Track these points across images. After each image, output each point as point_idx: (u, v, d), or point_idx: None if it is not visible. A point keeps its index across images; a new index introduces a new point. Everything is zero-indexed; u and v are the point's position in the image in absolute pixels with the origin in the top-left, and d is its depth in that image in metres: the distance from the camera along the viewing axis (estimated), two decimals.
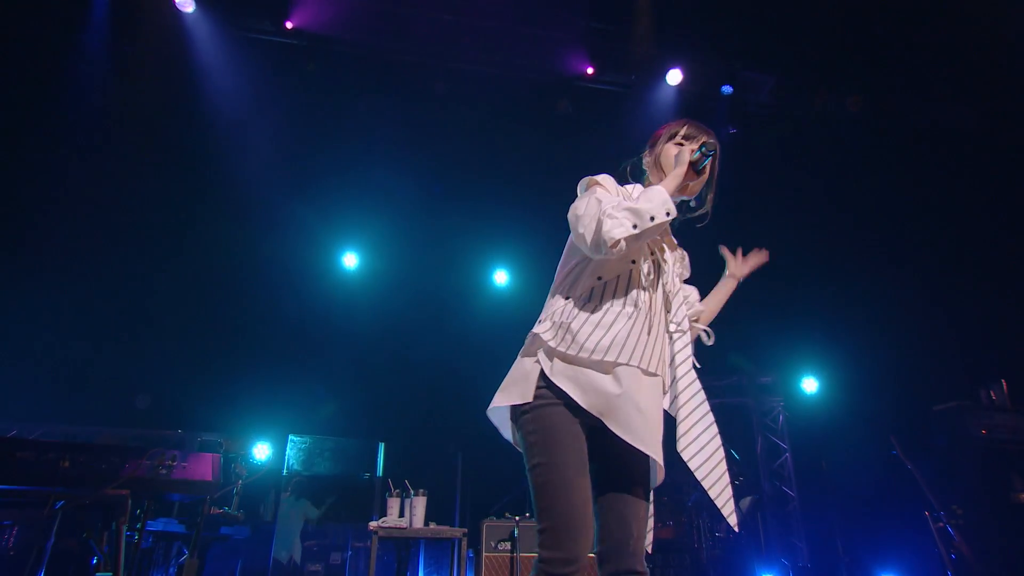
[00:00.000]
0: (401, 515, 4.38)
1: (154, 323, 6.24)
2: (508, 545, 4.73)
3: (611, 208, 1.67)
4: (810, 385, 8.09)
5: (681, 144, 1.92)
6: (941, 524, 5.25)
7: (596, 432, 1.70)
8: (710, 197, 1.98)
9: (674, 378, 1.77)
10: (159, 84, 6.10)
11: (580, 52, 7.24)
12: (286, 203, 6.65)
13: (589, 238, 1.68)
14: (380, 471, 5.97)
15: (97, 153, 6.00)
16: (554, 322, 1.75)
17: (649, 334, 1.74)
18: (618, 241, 1.63)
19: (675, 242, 1.99)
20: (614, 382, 1.67)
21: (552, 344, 1.71)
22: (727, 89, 7.36)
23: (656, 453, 1.68)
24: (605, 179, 1.86)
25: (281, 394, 6.30)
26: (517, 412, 1.74)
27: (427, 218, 7.20)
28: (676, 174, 1.77)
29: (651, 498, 1.78)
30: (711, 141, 1.89)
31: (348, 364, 6.79)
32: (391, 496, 4.32)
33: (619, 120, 7.57)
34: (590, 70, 7.19)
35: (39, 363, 5.57)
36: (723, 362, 8.12)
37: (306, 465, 5.95)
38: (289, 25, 6.46)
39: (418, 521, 4.31)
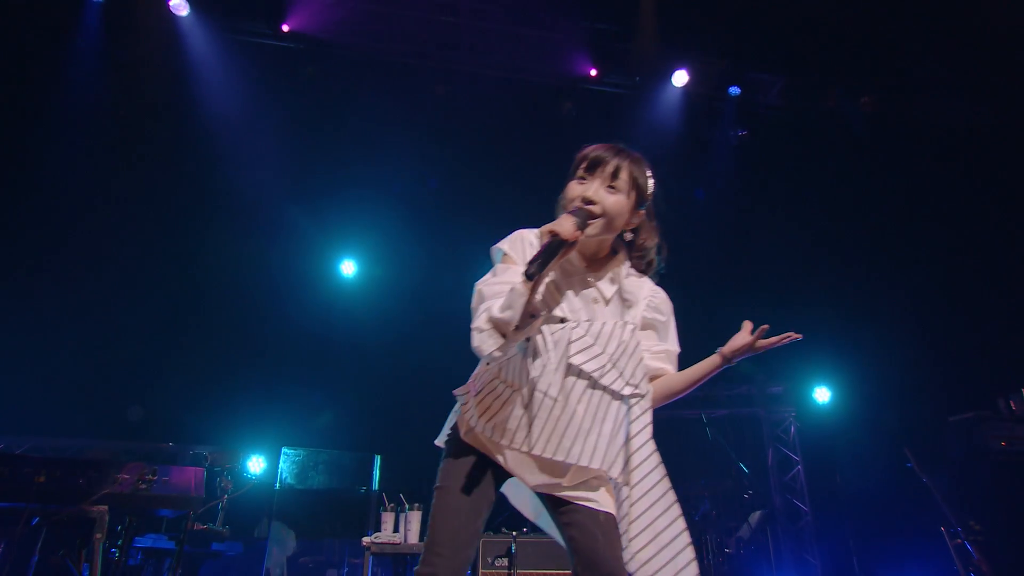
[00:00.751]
0: (396, 530, 4.27)
1: (146, 333, 6.16)
2: (506, 561, 4.60)
3: (483, 315, 1.58)
4: (822, 395, 7.99)
5: (583, 179, 1.76)
6: (959, 540, 5.09)
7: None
8: (625, 222, 1.78)
9: (627, 458, 1.64)
10: (153, 90, 6.04)
11: (583, 53, 7.17)
12: (282, 210, 6.61)
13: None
14: (376, 484, 5.87)
15: (89, 161, 5.95)
16: (469, 389, 1.81)
17: (547, 420, 1.64)
18: (491, 355, 1.56)
19: (619, 269, 1.80)
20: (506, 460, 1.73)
21: (466, 404, 1.78)
22: (734, 90, 7.28)
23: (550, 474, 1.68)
24: (512, 246, 1.75)
25: (275, 405, 6.24)
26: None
27: (428, 224, 7.12)
28: (528, 293, 1.56)
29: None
30: (583, 208, 1.69)
31: (344, 374, 6.70)
32: (385, 511, 4.24)
33: (624, 123, 7.51)
34: (593, 72, 7.14)
35: (27, 374, 5.50)
36: (732, 370, 7.93)
37: (300, 478, 5.84)
38: (286, 28, 6.42)
39: (413, 536, 4.21)
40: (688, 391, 1.77)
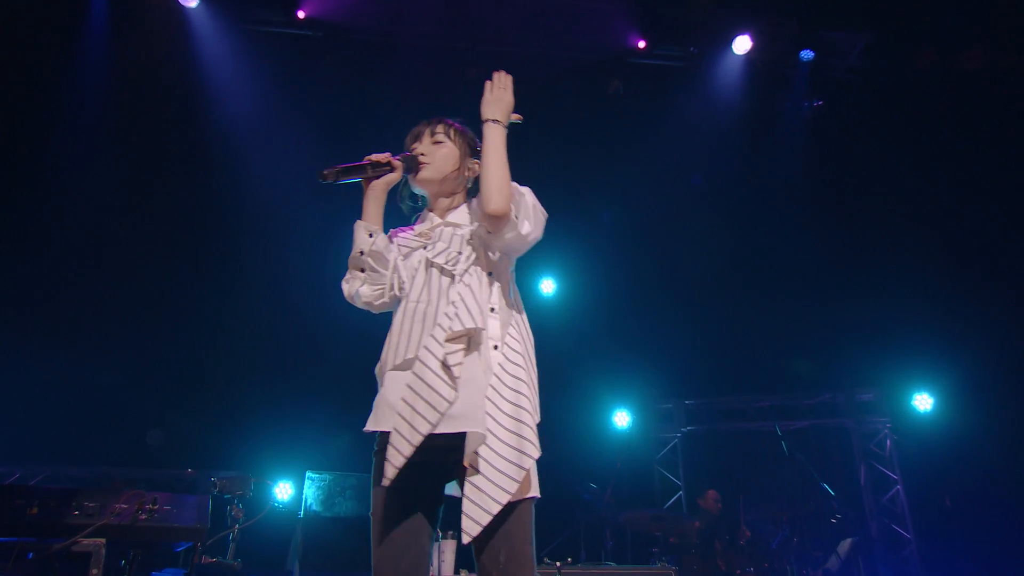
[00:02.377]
0: (430, 562, 3.95)
1: (164, 355, 6.05)
2: None
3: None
4: (923, 402, 7.31)
5: (411, 148, 2.02)
6: None
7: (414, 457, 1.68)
8: (456, 167, 2.00)
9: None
10: (162, 88, 5.90)
11: (629, 24, 6.73)
12: (303, 215, 6.25)
13: (352, 303, 1.96)
14: None
15: (102, 169, 5.85)
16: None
17: (413, 321, 1.78)
18: (351, 295, 1.89)
19: (452, 206, 2.01)
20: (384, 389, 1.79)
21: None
22: (807, 54, 6.73)
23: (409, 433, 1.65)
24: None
25: (300, 425, 5.95)
26: None
27: None
28: (363, 209, 1.91)
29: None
30: (412, 154, 1.96)
31: (372, 390, 6.39)
32: None
33: (678, 100, 7.08)
34: (642, 44, 6.74)
35: (43, 399, 5.41)
36: (814, 376, 7.25)
37: (326, 505, 5.52)
38: (301, 15, 6.19)
39: (447, 568, 4.05)
40: (490, 181, 1.81)
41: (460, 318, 1.67)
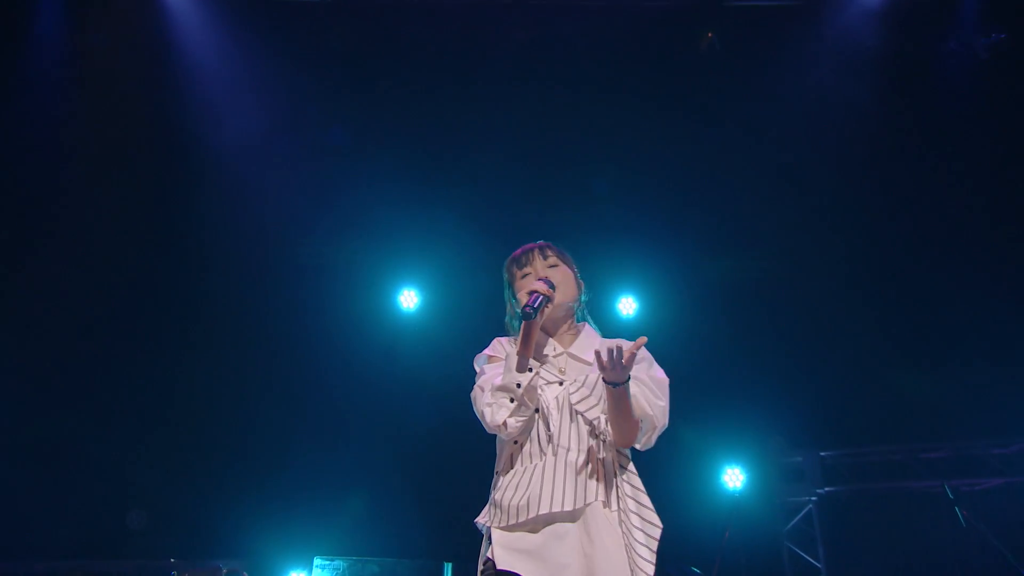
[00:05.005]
0: None
1: (145, 422, 5.80)
2: None
3: (488, 392, 2.02)
4: None
5: (525, 274, 2.20)
6: None
7: None
8: (577, 291, 2.21)
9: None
10: (134, 77, 5.37)
11: None
12: (307, 241, 5.97)
13: (487, 428, 2.06)
14: None
15: (63, 183, 5.46)
16: (489, 502, 2.09)
17: (567, 470, 1.97)
18: (504, 423, 1.98)
19: (571, 331, 2.21)
20: (537, 537, 1.95)
21: (487, 523, 2.04)
22: None
23: None
24: (493, 349, 2.20)
25: (307, 503, 5.67)
26: None
27: (505, 233, 6.24)
28: (521, 342, 2.02)
29: None
30: (536, 285, 2.06)
31: (398, 457, 6.04)
32: None
33: (789, 49, 6.13)
34: None
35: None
36: (1006, 418, 6.01)
37: None
38: None
39: None
40: (618, 428, 2.01)
41: (653, 526, 1.94)
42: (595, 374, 2.03)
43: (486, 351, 2.19)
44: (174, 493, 5.62)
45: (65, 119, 5.23)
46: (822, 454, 6.58)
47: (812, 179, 6.39)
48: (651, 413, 2.01)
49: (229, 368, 5.99)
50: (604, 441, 2.02)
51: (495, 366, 2.09)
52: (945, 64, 6.08)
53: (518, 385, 1.95)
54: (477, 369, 2.17)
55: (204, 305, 6.03)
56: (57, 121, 5.22)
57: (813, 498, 6.50)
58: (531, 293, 2.01)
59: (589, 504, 1.93)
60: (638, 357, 2.00)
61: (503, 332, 2.22)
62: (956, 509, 5.98)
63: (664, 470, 6.12)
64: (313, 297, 6.14)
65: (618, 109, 6.20)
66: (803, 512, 6.53)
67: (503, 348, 2.15)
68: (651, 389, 2.04)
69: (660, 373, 2.09)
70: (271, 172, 5.76)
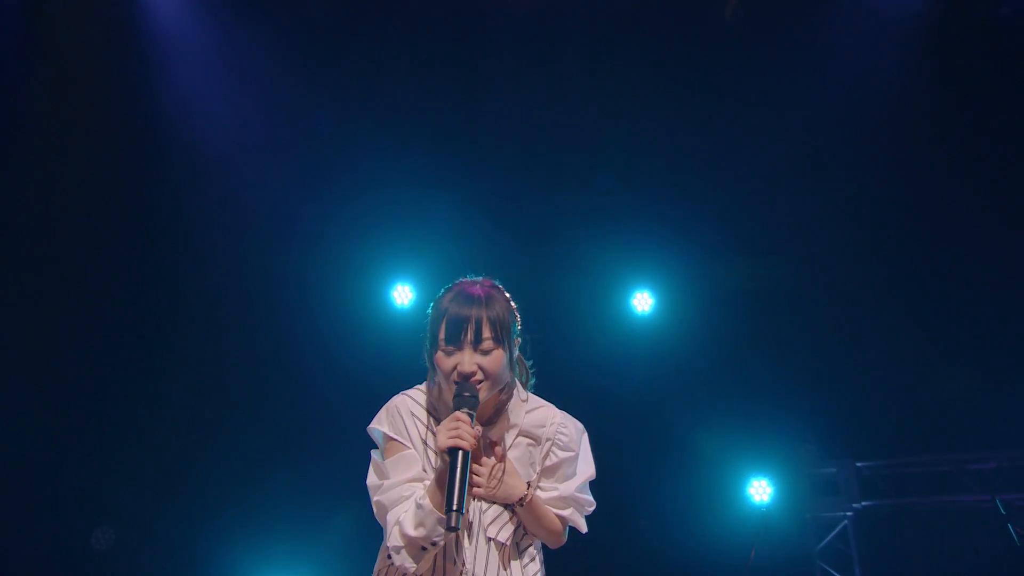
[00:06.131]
0: None
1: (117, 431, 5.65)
2: None
3: (395, 532, 1.74)
4: None
5: (448, 351, 1.83)
6: None
7: None
8: (510, 373, 1.93)
9: None
10: (104, 80, 5.25)
11: None
12: (292, 235, 5.86)
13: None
14: None
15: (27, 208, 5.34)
16: None
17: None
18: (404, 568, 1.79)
19: (517, 411, 2.01)
20: None
21: None
22: None
23: None
24: (394, 426, 1.90)
25: (291, 519, 5.52)
26: None
27: (508, 224, 6.19)
28: (441, 487, 1.72)
29: None
30: (466, 389, 1.79)
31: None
32: None
33: (826, 20, 5.89)
34: None
35: None
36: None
37: None
38: None
39: None
40: (542, 537, 1.97)
41: None
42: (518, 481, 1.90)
43: (382, 424, 1.87)
44: (145, 510, 5.45)
45: (24, 109, 5.01)
46: (858, 465, 6.37)
47: (848, 166, 6.19)
48: (569, 518, 1.93)
49: (208, 373, 5.89)
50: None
51: (397, 470, 1.78)
52: (998, 33, 5.74)
53: (434, 544, 1.71)
54: (373, 454, 1.89)
55: (181, 305, 5.92)
56: (16, 111, 5.00)
57: (849, 513, 6.32)
58: (452, 433, 1.68)
59: None
60: (558, 457, 1.93)
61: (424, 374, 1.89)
62: (1009, 526, 5.89)
63: (685, 482, 6.07)
64: (299, 295, 6.00)
65: (633, 87, 6.06)
66: (837, 529, 6.35)
67: (402, 425, 1.84)
68: (561, 498, 1.92)
69: (580, 476, 1.94)
70: (254, 160, 5.54)
